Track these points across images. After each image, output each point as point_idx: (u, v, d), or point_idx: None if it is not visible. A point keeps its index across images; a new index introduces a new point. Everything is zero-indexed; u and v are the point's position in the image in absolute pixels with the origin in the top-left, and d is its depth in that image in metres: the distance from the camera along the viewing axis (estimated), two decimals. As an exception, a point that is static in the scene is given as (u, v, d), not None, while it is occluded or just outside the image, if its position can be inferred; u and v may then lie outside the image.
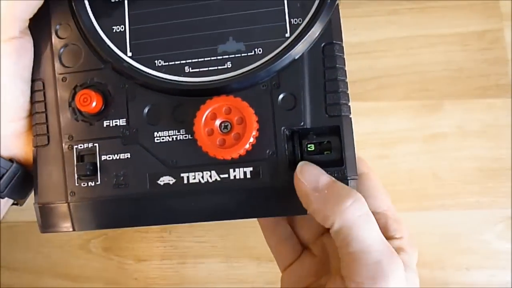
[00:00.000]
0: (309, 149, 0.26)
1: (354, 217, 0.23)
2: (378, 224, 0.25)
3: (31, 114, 0.28)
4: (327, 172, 0.25)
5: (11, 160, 0.28)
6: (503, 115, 0.46)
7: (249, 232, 0.44)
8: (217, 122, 0.25)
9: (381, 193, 0.27)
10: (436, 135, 0.46)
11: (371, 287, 0.23)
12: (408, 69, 0.46)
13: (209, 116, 0.25)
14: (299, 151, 0.26)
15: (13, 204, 0.30)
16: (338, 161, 0.25)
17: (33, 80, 0.28)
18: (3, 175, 0.27)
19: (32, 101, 0.28)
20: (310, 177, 0.24)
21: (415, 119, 0.46)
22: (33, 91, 0.28)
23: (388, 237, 0.26)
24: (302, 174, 0.24)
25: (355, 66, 0.46)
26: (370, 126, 0.45)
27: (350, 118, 0.26)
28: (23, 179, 0.28)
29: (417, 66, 0.46)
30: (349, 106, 0.26)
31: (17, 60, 0.27)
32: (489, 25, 0.47)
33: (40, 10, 0.27)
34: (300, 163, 0.25)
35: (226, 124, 0.25)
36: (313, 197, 0.24)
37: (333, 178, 0.24)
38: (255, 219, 0.31)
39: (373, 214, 0.25)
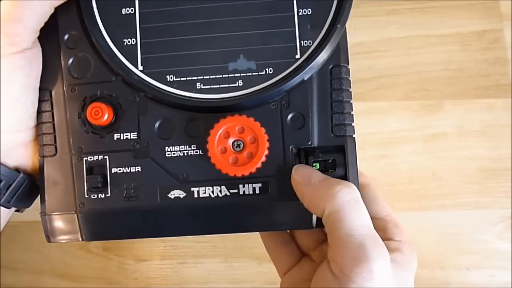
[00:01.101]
0: (314, 166, 0.27)
1: (343, 201, 0.24)
2: (378, 228, 0.25)
3: (38, 123, 0.28)
4: None
5: (17, 170, 0.28)
6: (503, 115, 0.46)
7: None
8: (230, 141, 0.26)
9: (381, 200, 0.28)
10: (436, 135, 0.46)
11: (353, 268, 0.23)
12: (408, 69, 0.46)
13: (223, 135, 0.25)
14: (304, 162, 0.27)
15: (15, 211, 0.30)
16: (342, 178, 0.26)
17: (41, 89, 0.27)
18: (10, 185, 0.27)
19: (39, 111, 0.28)
20: (304, 174, 0.25)
21: (415, 119, 0.46)
22: (40, 100, 0.28)
23: (386, 239, 0.27)
24: (297, 173, 0.26)
25: (355, 66, 0.46)
26: (370, 126, 0.45)
27: (354, 138, 0.27)
28: (29, 188, 0.28)
29: (417, 66, 0.46)
30: (353, 126, 0.27)
31: (29, 71, 0.27)
32: (489, 25, 0.47)
33: (48, 19, 0.27)
34: (296, 165, 0.26)
35: (239, 142, 0.26)
36: (306, 190, 0.25)
37: (327, 176, 0.25)
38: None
39: (373, 220, 0.26)
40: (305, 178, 0.25)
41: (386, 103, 0.46)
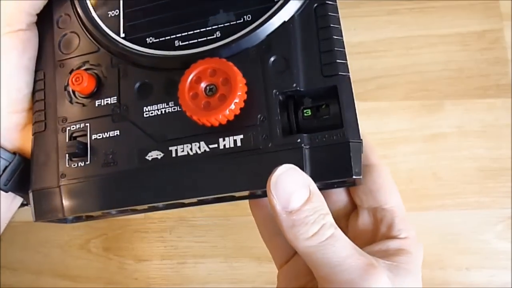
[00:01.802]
0: (305, 114, 0.24)
1: (317, 245, 0.22)
2: (384, 222, 0.24)
3: (33, 103, 0.28)
4: (324, 136, 0.23)
5: (14, 153, 0.28)
6: (503, 115, 0.46)
7: (249, 232, 0.44)
8: (202, 86, 0.24)
9: (390, 188, 0.26)
10: (436, 135, 0.46)
11: None
12: (408, 69, 0.46)
13: (194, 80, 0.24)
14: (293, 117, 0.24)
15: (22, 205, 0.30)
16: (336, 124, 0.23)
17: (35, 71, 0.28)
18: (6, 167, 0.27)
19: (33, 91, 0.28)
20: (283, 194, 0.21)
21: (415, 119, 0.46)
22: (35, 81, 0.28)
23: (391, 237, 0.25)
24: (276, 188, 0.21)
25: (355, 66, 0.46)
26: (370, 126, 0.45)
27: (349, 76, 0.24)
28: (27, 173, 0.28)
29: (417, 66, 0.46)
30: (347, 64, 0.24)
31: (23, 52, 0.27)
32: (489, 25, 0.47)
33: (45, 7, 0.28)
34: (278, 170, 0.21)
35: (211, 87, 0.23)
36: (281, 218, 0.21)
37: (308, 192, 0.22)
38: (252, 218, 0.30)
39: (379, 210, 0.24)
40: (283, 201, 0.21)
41: (386, 103, 0.46)
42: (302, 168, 0.22)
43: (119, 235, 0.45)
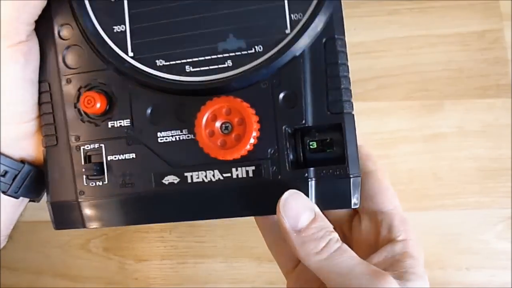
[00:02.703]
0: (311, 146, 0.25)
1: (327, 257, 0.23)
2: (383, 225, 0.25)
3: (40, 115, 0.28)
4: (329, 171, 0.25)
5: (22, 161, 0.28)
6: (503, 115, 0.46)
7: (249, 232, 0.44)
8: (218, 124, 0.25)
9: (387, 192, 0.27)
10: (436, 135, 0.46)
11: None
12: (408, 69, 0.46)
13: (210, 118, 0.25)
14: (301, 149, 0.25)
15: (30, 201, 0.30)
16: (340, 159, 0.25)
17: (39, 82, 0.28)
18: (15, 176, 0.28)
19: (40, 102, 0.28)
20: (291, 215, 0.24)
21: (415, 119, 0.46)
22: (40, 92, 0.28)
23: (392, 239, 0.26)
24: (285, 212, 0.24)
25: (355, 66, 0.46)
26: (370, 126, 0.45)
27: (353, 115, 0.25)
28: (36, 178, 0.29)
29: (417, 66, 0.46)
30: (352, 102, 0.26)
31: (26, 63, 0.27)
32: (489, 25, 0.47)
33: (43, 11, 0.27)
34: (285, 194, 0.24)
35: (226, 125, 0.25)
36: (292, 237, 0.24)
37: (314, 214, 0.24)
38: (252, 218, 0.31)
39: (379, 214, 0.26)
40: (292, 221, 0.24)
41: (386, 103, 0.46)
42: (308, 197, 0.25)
43: (119, 235, 0.45)
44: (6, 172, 0.28)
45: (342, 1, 0.40)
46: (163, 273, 0.44)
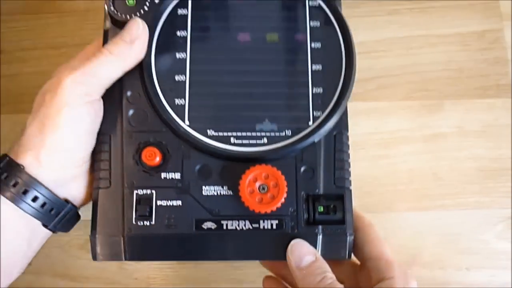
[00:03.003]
0: (319, 210, 0.33)
1: None
2: (372, 269, 0.31)
3: (95, 160, 0.33)
4: (332, 229, 0.32)
5: (66, 200, 0.32)
6: (503, 115, 0.46)
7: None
8: (257, 184, 0.32)
9: (374, 242, 0.33)
10: (436, 135, 0.46)
11: None
12: (408, 69, 0.46)
13: (252, 179, 0.32)
14: (312, 211, 0.33)
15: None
16: (340, 221, 0.32)
17: (101, 133, 0.33)
18: (58, 213, 0.32)
19: (98, 150, 0.33)
20: (296, 256, 0.31)
21: (415, 119, 0.46)
22: (100, 142, 0.33)
23: (381, 279, 0.31)
24: (292, 253, 0.31)
25: (355, 66, 0.46)
26: (370, 126, 0.46)
27: (351, 189, 0.33)
28: (71, 216, 0.33)
29: (417, 66, 0.46)
30: (350, 180, 0.34)
31: (95, 118, 0.32)
32: (489, 25, 0.47)
33: None
34: (293, 241, 0.32)
35: (264, 186, 0.32)
36: (297, 274, 0.31)
37: (315, 257, 0.31)
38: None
39: (368, 261, 0.32)
40: (297, 260, 0.31)
41: (386, 103, 0.46)
42: (315, 248, 0.32)
43: (119, 235, 0.45)
44: (52, 209, 0.31)
45: (342, 1, 0.40)
46: (163, 273, 0.44)
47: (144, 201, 0.32)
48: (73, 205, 0.33)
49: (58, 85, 0.31)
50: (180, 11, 0.35)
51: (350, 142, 0.36)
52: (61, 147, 0.31)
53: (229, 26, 0.36)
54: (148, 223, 0.32)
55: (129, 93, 0.34)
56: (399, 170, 0.45)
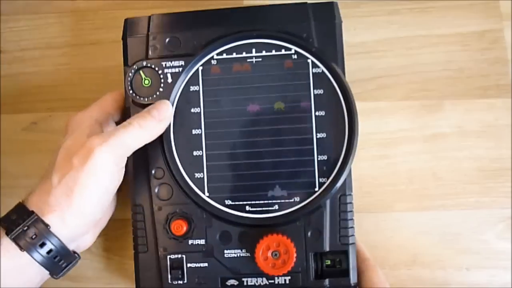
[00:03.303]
0: (326, 263, 0.37)
1: None
2: None
3: (134, 228, 0.39)
4: (338, 282, 0.37)
5: (74, 252, 0.36)
6: (503, 115, 0.46)
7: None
8: (270, 252, 0.36)
9: (379, 272, 0.38)
10: (436, 135, 0.46)
11: None
12: (408, 69, 0.46)
13: (265, 248, 0.36)
14: (320, 265, 0.37)
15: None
16: (345, 272, 0.37)
17: (136, 205, 0.38)
18: (68, 265, 0.36)
19: (134, 219, 0.39)
20: None
21: (415, 119, 0.46)
22: (135, 212, 0.39)
23: None
24: None
25: (355, 66, 0.46)
26: (370, 126, 0.45)
27: (354, 244, 0.38)
28: (75, 264, 0.37)
29: (417, 66, 0.46)
30: (354, 236, 0.38)
31: (117, 185, 0.36)
32: (489, 25, 0.47)
33: (139, 157, 0.38)
34: None
35: (276, 253, 0.37)
36: None
37: None
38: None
39: None
40: None
41: (386, 103, 0.46)
42: None
43: (119, 235, 0.45)
44: (62, 262, 0.35)
45: (342, 1, 0.40)
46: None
47: (177, 264, 0.38)
48: (78, 255, 0.37)
49: (89, 154, 0.33)
50: (192, 88, 0.39)
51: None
52: (86, 211, 0.34)
53: (239, 99, 0.39)
54: (181, 282, 0.38)
55: (154, 171, 0.39)
56: (399, 170, 0.45)
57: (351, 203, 0.38)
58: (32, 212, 0.33)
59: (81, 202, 0.33)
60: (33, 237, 0.32)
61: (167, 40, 0.39)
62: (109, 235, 0.45)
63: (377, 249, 0.43)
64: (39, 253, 0.33)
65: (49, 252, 0.33)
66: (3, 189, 0.45)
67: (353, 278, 0.37)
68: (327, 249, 0.37)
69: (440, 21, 0.47)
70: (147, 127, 0.36)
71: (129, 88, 0.38)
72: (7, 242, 0.33)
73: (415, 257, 0.44)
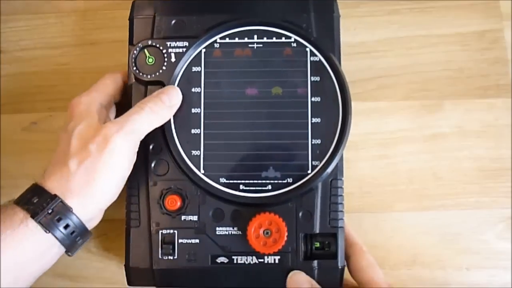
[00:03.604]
0: (315, 245, 0.38)
1: None
2: None
3: (127, 203, 0.39)
4: (326, 263, 0.38)
5: (89, 231, 0.36)
6: (503, 115, 0.46)
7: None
8: (261, 230, 0.37)
9: (367, 267, 0.37)
10: (436, 135, 0.46)
11: None
12: (408, 69, 0.46)
13: (257, 226, 0.37)
14: (309, 247, 0.38)
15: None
16: (333, 255, 0.38)
17: (131, 180, 0.38)
18: (84, 242, 0.36)
19: (129, 194, 0.39)
20: (294, 284, 0.37)
21: (415, 119, 0.46)
22: (130, 187, 0.39)
23: None
24: (290, 282, 0.37)
25: (355, 66, 0.46)
26: (370, 126, 0.46)
27: (343, 227, 0.38)
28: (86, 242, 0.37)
29: (417, 66, 0.46)
30: (343, 220, 0.38)
31: (131, 169, 0.37)
32: (489, 25, 0.47)
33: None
34: (291, 273, 0.38)
35: (267, 231, 0.37)
36: None
37: (310, 285, 0.37)
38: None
39: (359, 284, 0.37)
40: (294, 286, 0.37)
41: (386, 103, 0.46)
42: (313, 278, 0.38)
43: (119, 235, 0.45)
44: (80, 240, 0.35)
45: (342, 1, 0.40)
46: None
47: (168, 239, 0.38)
48: (91, 232, 0.37)
49: (107, 141, 0.34)
50: (195, 69, 0.40)
51: (350, 142, 0.39)
52: (105, 197, 0.35)
53: (238, 82, 0.39)
54: (171, 258, 0.38)
55: (152, 146, 0.39)
56: (399, 170, 0.45)
57: (341, 187, 0.39)
58: (55, 195, 0.34)
59: (100, 188, 0.35)
60: (58, 219, 0.33)
61: (172, 22, 0.40)
62: (109, 235, 0.45)
63: (377, 249, 0.43)
64: (62, 233, 0.34)
65: (72, 233, 0.34)
66: (3, 189, 0.45)
67: (341, 261, 0.38)
68: (317, 231, 0.38)
69: (440, 21, 0.47)
70: (159, 112, 0.37)
71: (133, 65, 0.39)
72: (32, 225, 0.33)
73: (415, 257, 0.44)
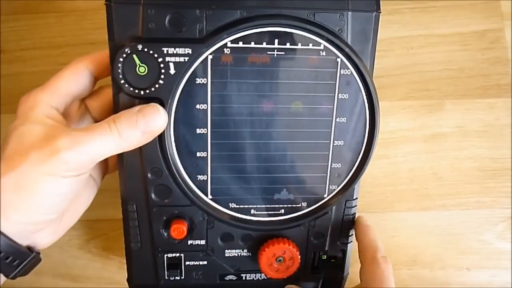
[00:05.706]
0: (322, 258, 0.38)
1: None
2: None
3: (124, 224, 0.35)
4: (334, 274, 0.38)
5: (29, 248, 0.31)
6: (503, 115, 0.46)
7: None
8: (275, 258, 0.36)
9: (391, 278, 0.34)
10: (437, 135, 0.46)
11: None
12: (409, 69, 0.46)
13: (271, 256, 0.36)
14: (317, 260, 0.38)
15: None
16: (340, 266, 0.38)
17: (126, 202, 0.34)
18: (21, 263, 0.30)
19: (125, 216, 0.34)
20: None
21: (415, 119, 0.46)
22: (126, 210, 0.34)
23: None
24: None
25: (355, 66, 0.46)
26: (370, 126, 0.45)
27: (351, 241, 0.38)
28: (34, 262, 0.31)
29: (418, 66, 0.46)
30: (352, 240, 0.37)
31: (76, 189, 0.30)
32: (489, 24, 0.47)
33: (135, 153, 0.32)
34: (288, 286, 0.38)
35: (280, 258, 0.36)
36: None
37: None
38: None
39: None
40: None
41: (386, 103, 0.46)
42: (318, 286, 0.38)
43: (119, 235, 0.45)
44: (15, 261, 0.30)
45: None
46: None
47: (174, 262, 0.36)
48: (36, 252, 0.31)
49: (53, 155, 0.28)
50: (199, 80, 0.32)
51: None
52: (34, 211, 0.29)
53: (252, 95, 0.33)
54: (178, 278, 0.37)
55: (150, 171, 0.33)
56: (399, 170, 0.45)
57: (355, 206, 0.37)
58: None
59: (29, 201, 0.28)
60: None
61: (167, 17, 0.30)
62: (109, 235, 0.45)
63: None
64: None
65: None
66: (3, 189, 0.45)
67: (346, 271, 0.38)
68: (326, 249, 0.37)
69: (441, 21, 0.47)
70: (129, 138, 0.30)
71: (120, 76, 0.30)
72: None
73: (415, 257, 0.44)
